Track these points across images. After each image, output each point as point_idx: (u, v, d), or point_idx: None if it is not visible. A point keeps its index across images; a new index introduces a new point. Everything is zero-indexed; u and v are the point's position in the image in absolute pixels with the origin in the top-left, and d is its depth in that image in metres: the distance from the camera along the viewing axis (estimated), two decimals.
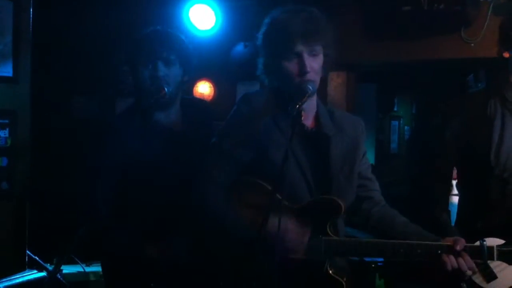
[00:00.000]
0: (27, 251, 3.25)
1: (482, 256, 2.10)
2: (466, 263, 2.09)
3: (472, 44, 4.15)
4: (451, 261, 2.07)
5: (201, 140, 2.44)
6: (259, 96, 2.28)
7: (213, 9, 4.52)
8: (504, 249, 2.10)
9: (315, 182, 2.18)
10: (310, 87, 2.09)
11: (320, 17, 2.16)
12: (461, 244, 2.08)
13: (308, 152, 2.21)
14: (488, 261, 2.42)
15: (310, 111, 2.25)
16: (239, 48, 4.89)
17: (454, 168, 2.72)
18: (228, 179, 2.19)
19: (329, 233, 2.12)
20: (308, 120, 2.25)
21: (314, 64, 2.14)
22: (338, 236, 2.15)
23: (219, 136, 2.25)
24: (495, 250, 2.11)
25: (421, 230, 2.21)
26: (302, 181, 2.17)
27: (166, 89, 2.44)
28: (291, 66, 2.13)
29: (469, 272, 2.39)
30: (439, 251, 2.09)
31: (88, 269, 3.64)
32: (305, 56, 2.12)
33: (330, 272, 2.10)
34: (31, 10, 3.25)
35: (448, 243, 2.09)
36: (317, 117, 2.28)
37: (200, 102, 2.76)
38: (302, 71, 2.12)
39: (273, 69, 2.20)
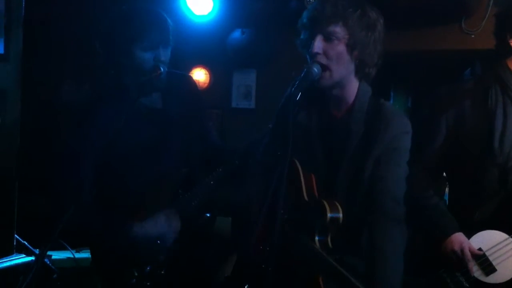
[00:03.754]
0: (16, 235, 3.18)
1: None
2: None
3: (473, 36, 4.11)
4: None
5: (182, 116, 2.49)
6: None
7: None
8: None
9: (326, 177, 2.12)
10: (315, 70, 2.03)
11: (344, 4, 2.08)
12: None
13: (328, 143, 2.15)
14: (487, 253, 2.39)
15: (342, 100, 2.17)
16: (236, 34, 4.83)
17: None
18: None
19: (316, 241, 1.98)
20: (337, 109, 2.18)
21: (329, 49, 2.07)
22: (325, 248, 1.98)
23: None
24: None
25: None
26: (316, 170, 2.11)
27: (162, 68, 2.40)
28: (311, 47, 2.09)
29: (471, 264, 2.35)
30: None
31: (77, 255, 3.61)
32: (318, 38, 2.07)
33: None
34: None
35: None
36: (351, 108, 2.17)
37: (183, 77, 2.70)
38: (311, 52, 2.08)
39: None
